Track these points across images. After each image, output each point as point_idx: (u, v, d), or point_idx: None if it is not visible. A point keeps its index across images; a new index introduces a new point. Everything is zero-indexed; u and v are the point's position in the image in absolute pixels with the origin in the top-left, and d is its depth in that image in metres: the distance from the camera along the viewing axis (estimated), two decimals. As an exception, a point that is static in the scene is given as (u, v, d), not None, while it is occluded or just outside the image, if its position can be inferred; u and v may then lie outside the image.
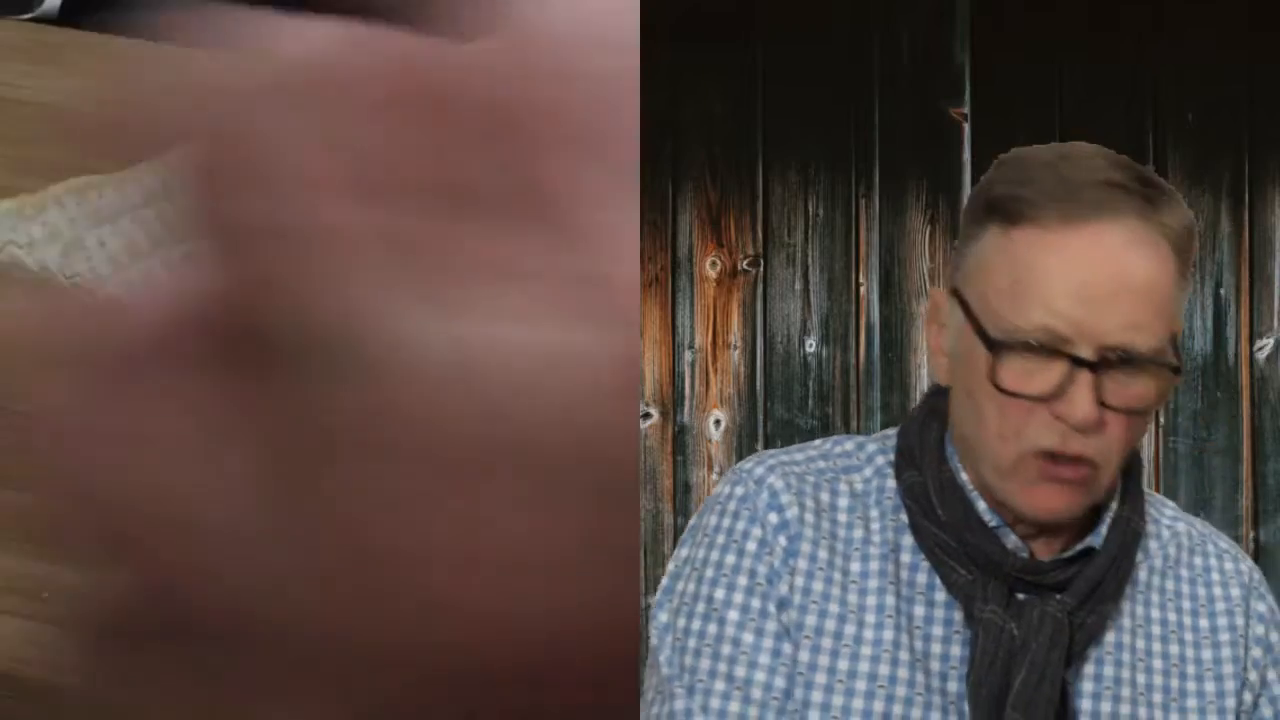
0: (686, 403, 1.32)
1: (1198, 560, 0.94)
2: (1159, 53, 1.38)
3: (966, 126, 1.36)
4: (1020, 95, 1.37)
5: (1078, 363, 0.85)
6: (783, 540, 0.91)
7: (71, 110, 1.52)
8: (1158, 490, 1.36)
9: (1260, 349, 1.40)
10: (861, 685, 0.90)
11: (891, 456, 0.93)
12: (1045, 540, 0.91)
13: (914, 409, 0.94)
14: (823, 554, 0.91)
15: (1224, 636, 0.92)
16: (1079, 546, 0.90)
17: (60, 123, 1.52)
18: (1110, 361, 0.86)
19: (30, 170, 1.45)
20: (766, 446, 1.33)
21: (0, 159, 1.46)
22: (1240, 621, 0.93)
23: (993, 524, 0.90)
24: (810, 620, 0.90)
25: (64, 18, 1.67)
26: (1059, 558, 0.90)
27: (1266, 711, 0.93)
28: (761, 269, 1.33)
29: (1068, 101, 1.38)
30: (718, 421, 1.32)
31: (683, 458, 1.32)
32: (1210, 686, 0.92)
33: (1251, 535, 1.39)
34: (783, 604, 0.90)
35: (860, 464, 0.94)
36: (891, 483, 0.92)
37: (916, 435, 0.92)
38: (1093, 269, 0.87)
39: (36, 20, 1.66)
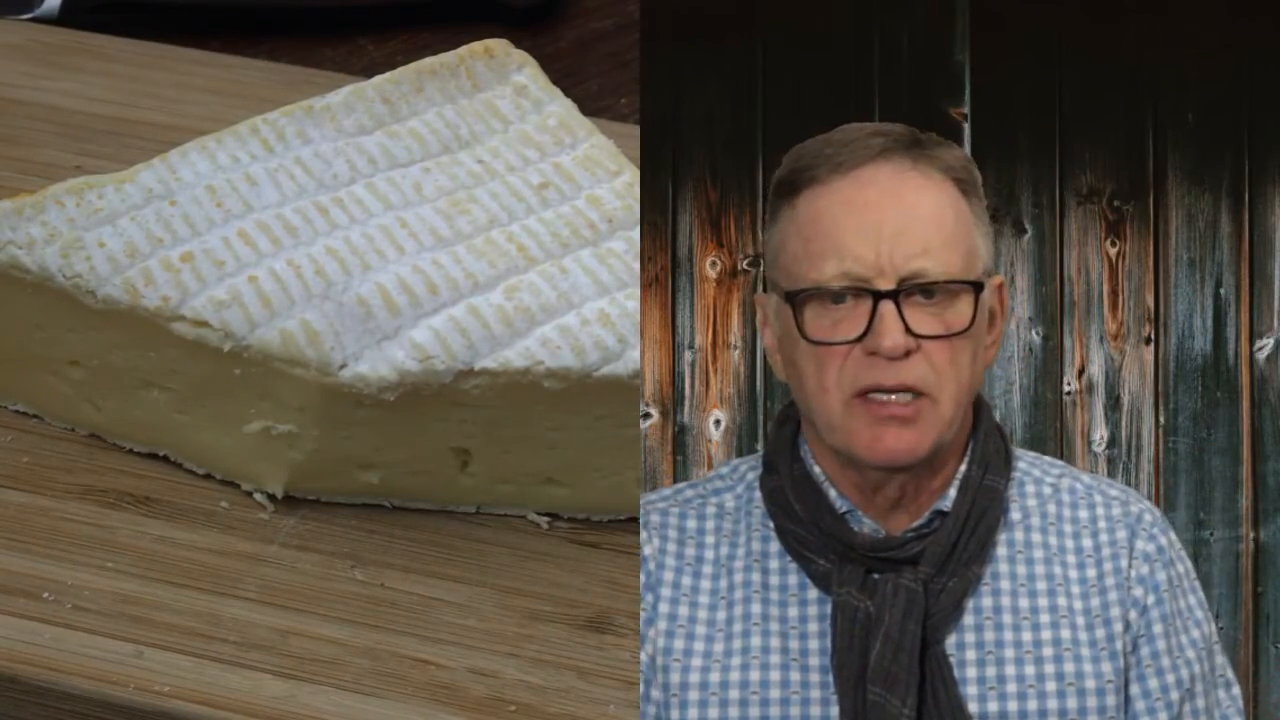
0: (686, 403, 1.32)
1: (1083, 513, 0.96)
2: (1159, 53, 1.38)
3: (966, 126, 1.36)
4: (1020, 95, 1.37)
5: (878, 296, 0.88)
6: (641, 577, 0.95)
7: (71, 110, 1.53)
8: (1157, 491, 1.36)
9: (1260, 349, 1.40)
10: (735, 694, 0.93)
11: (761, 471, 0.96)
12: (898, 517, 0.93)
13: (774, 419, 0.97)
14: (686, 580, 0.95)
15: (1110, 581, 0.94)
16: (928, 514, 0.92)
17: (60, 123, 1.54)
18: (910, 291, 0.89)
19: (30, 170, 1.45)
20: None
21: (0, 159, 1.47)
22: (1124, 564, 0.94)
23: (843, 510, 0.93)
24: (679, 644, 0.94)
25: (64, 18, 1.67)
26: (910, 529, 0.92)
27: (1144, 650, 0.94)
28: (761, 269, 1.33)
29: (1068, 101, 1.38)
30: (718, 421, 1.33)
31: (683, 458, 1.32)
32: (1100, 633, 0.93)
33: (1251, 535, 1.39)
34: (640, 638, 0.94)
35: (733, 483, 0.98)
36: (759, 494, 0.96)
37: (774, 441, 0.96)
38: (872, 207, 0.91)
39: (36, 20, 1.66)
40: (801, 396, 0.91)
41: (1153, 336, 1.39)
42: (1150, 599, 0.93)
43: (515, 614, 1.15)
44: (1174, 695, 0.93)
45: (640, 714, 0.92)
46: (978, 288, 0.90)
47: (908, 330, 0.89)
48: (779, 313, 0.92)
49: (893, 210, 0.90)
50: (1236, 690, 0.96)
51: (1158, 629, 0.93)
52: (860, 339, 0.89)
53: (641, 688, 0.92)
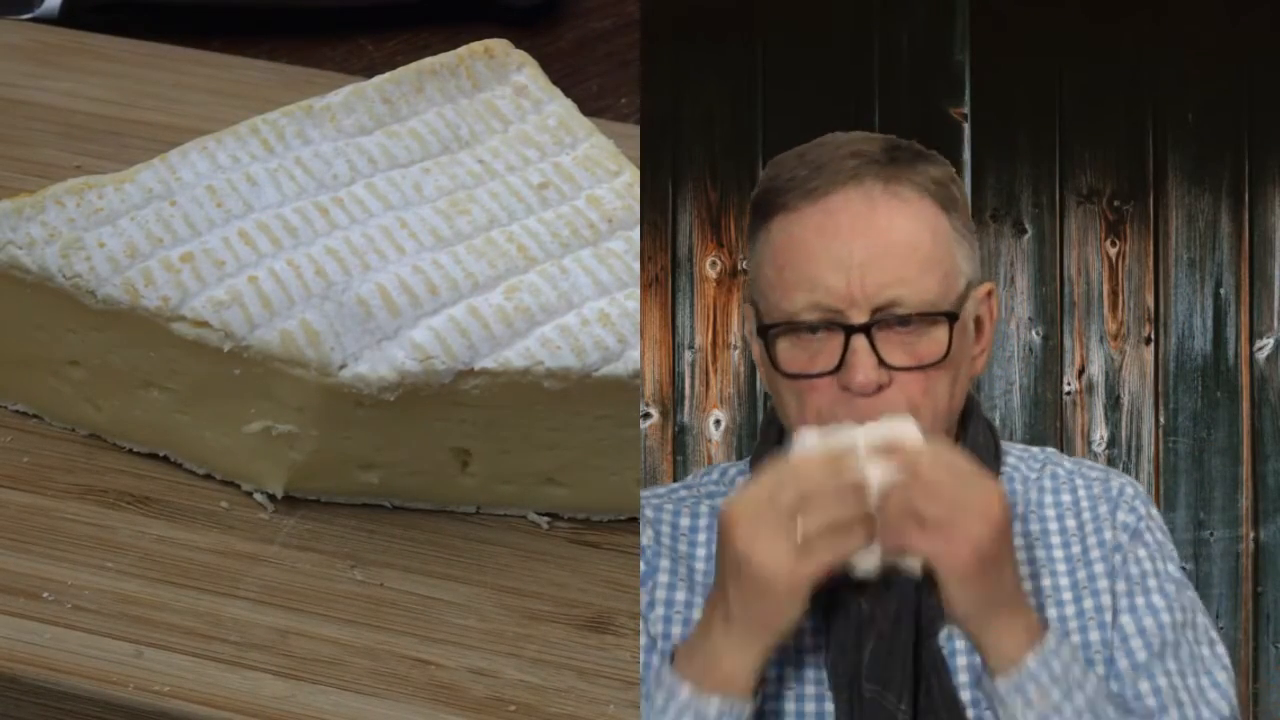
0: (686, 403, 1.32)
1: (1065, 496, 0.95)
2: (1159, 53, 1.38)
3: (966, 126, 1.36)
4: (1020, 95, 1.37)
5: (850, 329, 0.87)
6: (640, 565, 0.95)
7: (71, 110, 1.54)
8: (1157, 491, 1.36)
9: (1260, 349, 1.40)
10: None
11: (748, 475, 0.96)
12: None
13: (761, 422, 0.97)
14: (682, 569, 0.94)
15: (1095, 554, 0.94)
16: None
17: (60, 123, 1.54)
18: (885, 322, 0.87)
19: (30, 170, 1.45)
20: (766, 446, 1.33)
21: (0, 159, 1.47)
22: (1108, 535, 0.94)
23: None
24: (676, 630, 0.93)
25: (64, 18, 1.67)
26: None
27: (1125, 620, 0.93)
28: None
29: (1068, 101, 1.38)
30: (718, 421, 1.33)
31: (683, 458, 1.32)
32: (1089, 603, 0.93)
33: (1251, 535, 1.39)
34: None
35: (723, 488, 0.98)
36: None
37: (761, 445, 0.95)
38: (843, 235, 0.88)
39: (36, 20, 1.66)
40: (782, 418, 0.91)
41: (1153, 336, 1.39)
42: (1119, 559, 0.93)
43: (515, 614, 1.15)
44: (1136, 643, 0.92)
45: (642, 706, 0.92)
46: (952, 318, 0.88)
47: (881, 363, 0.87)
48: (753, 327, 0.91)
49: (864, 238, 0.87)
50: (1221, 649, 0.96)
51: (1121, 586, 0.93)
52: (833, 372, 0.87)
53: (643, 672, 0.92)
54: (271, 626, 1.14)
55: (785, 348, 0.89)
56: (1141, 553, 0.93)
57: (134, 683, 1.10)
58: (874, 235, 0.87)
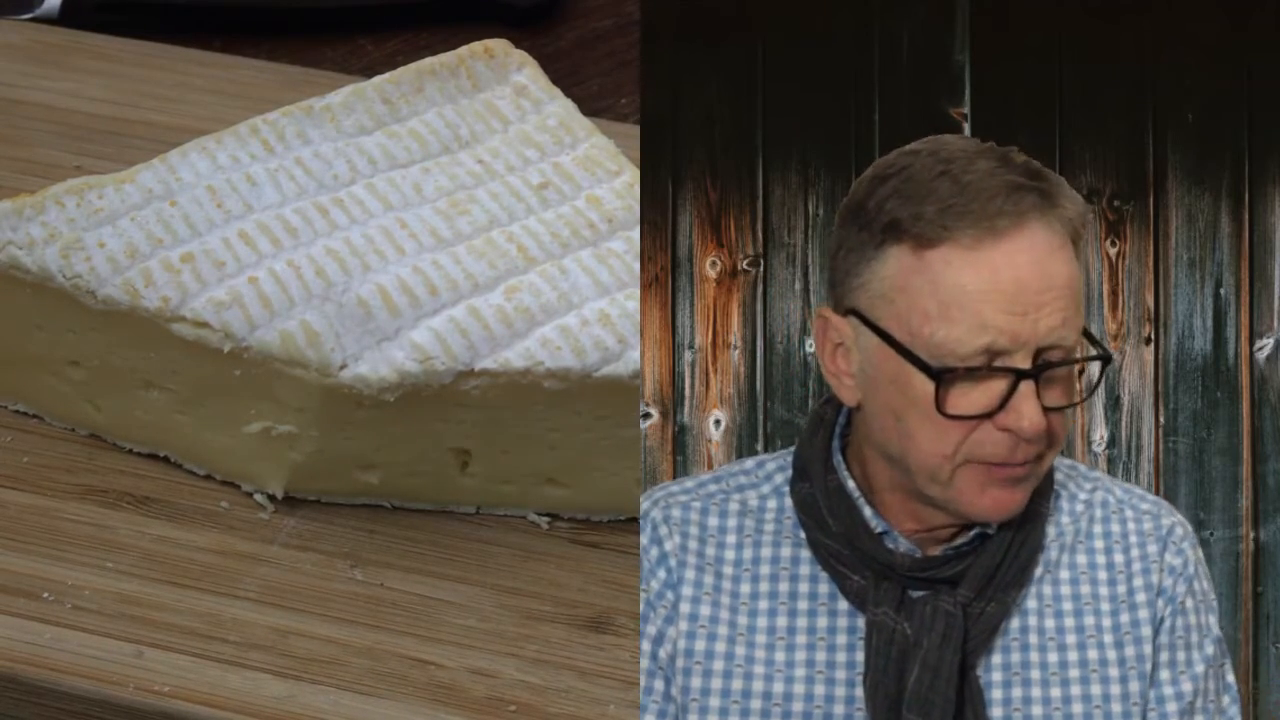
0: (686, 403, 1.32)
1: (1114, 527, 0.94)
2: (1159, 53, 1.38)
3: (966, 126, 1.36)
4: (1020, 95, 1.37)
5: (1020, 374, 0.85)
6: (661, 574, 0.93)
7: (71, 110, 1.54)
8: (1157, 490, 1.36)
9: (1260, 349, 1.40)
10: (756, 704, 0.91)
11: (790, 473, 0.94)
12: (934, 538, 0.91)
13: (806, 421, 0.95)
14: (709, 579, 0.93)
15: (1140, 597, 0.93)
16: (971, 534, 0.91)
17: (60, 123, 1.55)
18: (1048, 364, 0.86)
19: (30, 170, 1.45)
20: (767, 446, 1.33)
21: (0, 159, 1.47)
22: (1155, 578, 0.93)
23: (879, 529, 0.91)
24: (700, 645, 0.92)
25: (64, 18, 1.67)
26: (950, 548, 0.91)
27: (1164, 675, 0.93)
28: (761, 269, 1.33)
29: (1068, 101, 1.38)
30: (718, 421, 1.33)
31: (683, 458, 1.32)
32: (1130, 650, 0.92)
33: (1251, 535, 1.39)
34: (658, 639, 0.92)
35: (758, 481, 0.95)
36: (789, 500, 0.93)
37: (806, 446, 0.93)
38: (1019, 280, 0.87)
39: (36, 21, 1.66)
40: (903, 448, 0.88)
41: (1153, 336, 1.39)
42: (1167, 610, 0.92)
43: (515, 614, 1.15)
44: (1170, 706, 0.92)
45: (640, 708, 0.92)
46: (1106, 360, 0.88)
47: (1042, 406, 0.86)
48: (867, 344, 0.88)
49: (1036, 281, 0.86)
50: (1236, 710, 0.96)
51: (1164, 640, 0.92)
52: (994, 414, 0.86)
53: (643, 680, 0.92)
54: (271, 626, 1.14)
55: (955, 392, 0.86)
56: (1185, 603, 0.93)
57: (134, 683, 1.10)
58: (1044, 279, 0.86)
